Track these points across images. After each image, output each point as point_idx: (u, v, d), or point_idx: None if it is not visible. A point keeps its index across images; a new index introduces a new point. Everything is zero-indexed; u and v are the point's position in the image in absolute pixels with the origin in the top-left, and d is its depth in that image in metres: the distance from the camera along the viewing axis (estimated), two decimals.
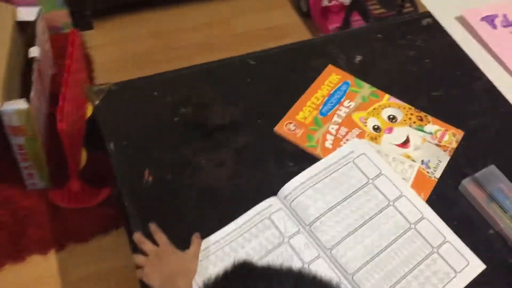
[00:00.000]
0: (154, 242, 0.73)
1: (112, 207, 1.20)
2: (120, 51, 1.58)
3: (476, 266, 0.76)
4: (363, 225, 0.78)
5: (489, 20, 1.11)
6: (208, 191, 0.81)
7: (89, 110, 1.27)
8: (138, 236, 0.73)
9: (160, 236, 0.72)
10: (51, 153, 1.18)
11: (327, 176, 0.83)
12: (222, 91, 0.95)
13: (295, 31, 1.66)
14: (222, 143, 0.87)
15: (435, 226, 0.79)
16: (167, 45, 1.60)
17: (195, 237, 0.73)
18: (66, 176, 1.17)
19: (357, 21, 1.48)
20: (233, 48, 1.53)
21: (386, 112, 0.94)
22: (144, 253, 0.72)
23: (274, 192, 0.81)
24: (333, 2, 1.59)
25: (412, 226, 0.79)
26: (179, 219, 0.78)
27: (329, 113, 0.92)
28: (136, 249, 0.74)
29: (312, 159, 0.86)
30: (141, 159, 0.84)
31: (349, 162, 0.85)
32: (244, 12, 1.76)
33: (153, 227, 0.74)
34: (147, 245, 0.72)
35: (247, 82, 0.97)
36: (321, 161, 0.85)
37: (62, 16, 1.57)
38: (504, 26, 1.11)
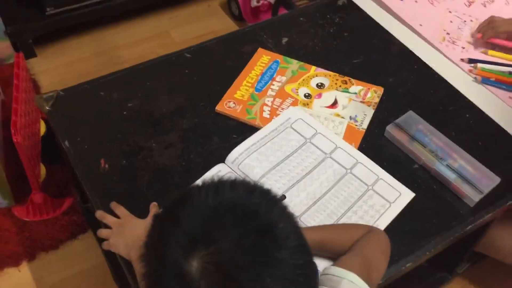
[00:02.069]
0: (116, 217, 0.79)
1: (77, 214, 1.25)
2: (65, 74, 1.63)
3: (407, 195, 0.87)
4: (305, 177, 0.87)
5: None
6: (161, 170, 0.89)
7: (43, 128, 1.33)
8: (99, 212, 0.79)
9: (120, 209, 0.79)
10: (10, 173, 1.22)
11: (268, 141, 0.92)
12: (164, 84, 1.03)
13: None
14: (169, 127, 0.95)
15: (368, 168, 0.89)
16: (109, 63, 1.66)
17: (152, 205, 0.80)
18: (27, 191, 1.21)
19: None
20: None
21: (314, 81, 1.04)
22: (107, 227, 0.78)
23: (222, 161, 0.89)
24: (261, 2, 1.70)
25: (348, 171, 0.89)
26: (136, 197, 0.85)
27: (263, 89, 1.02)
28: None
29: (253, 130, 0.95)
30: (95, 151, 0.91)
31: (287, 128, 0.94)
32: (181, 23, 1.86)
33: (113, 204, 0.80)
34: (108, 218, 0.78)
35: (185, 73, 1.05)
36: (262, 129, 0.94)
37: (4, 48, 1.61)
38: None
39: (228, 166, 0.88)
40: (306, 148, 0.92)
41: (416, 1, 1.24)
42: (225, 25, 1.83)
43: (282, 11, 1.59)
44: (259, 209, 0.49)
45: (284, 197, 0.83)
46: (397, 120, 0.96)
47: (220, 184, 0.51)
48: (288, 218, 0.51)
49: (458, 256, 1.05)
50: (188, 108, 0.98)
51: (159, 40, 1.79)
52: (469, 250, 1.01)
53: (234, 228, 0.47)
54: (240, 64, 1.07)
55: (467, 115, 1.01)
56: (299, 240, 0.50)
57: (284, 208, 0.52)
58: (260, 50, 1.10)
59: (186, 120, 0.96)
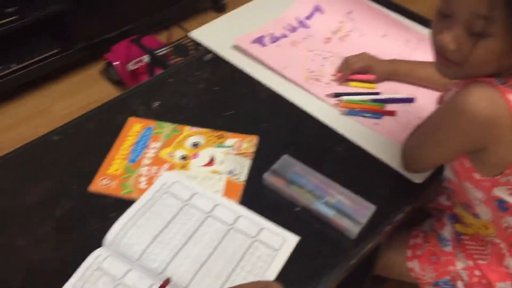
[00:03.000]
0: None
1: None
2: None
3: (292, 239, 0.87)
4: (187, 242, 0.85)
5: (259, 41, 1.29)
6: (35, 269, 0.83)
7: None
8: None
9: None
10: None
11: (146, 212, 0.89)
12: (32, 173, 0.98)
13: None
14: (41, 219, 0.90)
15: (251, 220, 0.90)
16: None
17: None
18: None
19: None
20: None
21: (189, 141, 1.04)
22: None
23: (101, 245, 0.85)
24: (138, 64, 1.71)
25: (231, 227, 0.88)
26: None
27: (138, 159, 1.00)
28: None
29: (131, 204, 0.92)
30: None
31: (164, 194, 0.93)
32: (63, 97, 1.81)
33: None
34: None
35: (55, 156, 1.01)
36: (137, 200, 0.91)
37: None
38: (272, 42, 1.30)
39: (107, 249, 0.84)
40: (185, 211, 0.90)
41: (277, 46, 1.29)
42: (107, 92, 1.81)
43: (159, 71, 1.60)
44: None
45: (168, 281, 0.80)
46: (273, 167, 0.98)
47: None
48: None
49: (359, 285, 1.07)
50: (60, 194, 0.94)
51: (41, 118, 1.73)
52: (366, 277, 1.04)
53: None
54: (113, 137, 1.05)
55: (339, 148, 1.05)
56: None
57: None
58: (131, 119, 1.08)
59: (59, 208, 0.91)
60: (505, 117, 0.76)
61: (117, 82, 1.79)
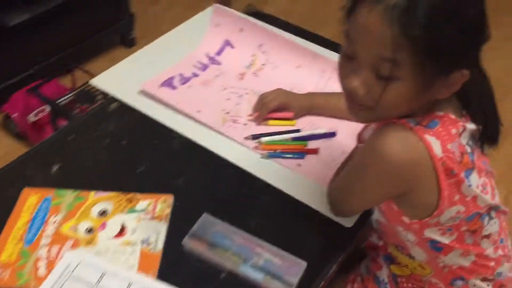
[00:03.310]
0: None
1: None
2: None
3: None
4: None
5: (168, 83, 1.20)
6: None
7: None
8: None
9: None
10: None
11: None
12: None
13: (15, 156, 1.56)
14: None
15: None
16: None
17: None
18: None
19: None
20: None
21: (95, 210, 0.92)
22: None
23: None
24: (40, 115, 1.55)
25: None
26: None
27: (35, 239, 0.86)
28: None
29: None
30: None
31: (67, 279, 0.80)
32: None
33: None
34: None
35: None
36: None
37: None
38: (183, 84, 1.21)
39: None
40: None
41: (189, 87, 1.20)
42: (7, 147, 1.63)
43: (64, 122, 1.46)
44: None
45: None
46: (192, 229, 0.88)
47: None
48: None
49: None
50: None
51: None
52: None
53: None
54: (4, 215, 0.90)
55: (263, 198, 0.97)
56: None
57: None
58: (25, 190, 0.94)
59: None
60: (424, 158, 0.72)
61: (18, 136, 1.61)
